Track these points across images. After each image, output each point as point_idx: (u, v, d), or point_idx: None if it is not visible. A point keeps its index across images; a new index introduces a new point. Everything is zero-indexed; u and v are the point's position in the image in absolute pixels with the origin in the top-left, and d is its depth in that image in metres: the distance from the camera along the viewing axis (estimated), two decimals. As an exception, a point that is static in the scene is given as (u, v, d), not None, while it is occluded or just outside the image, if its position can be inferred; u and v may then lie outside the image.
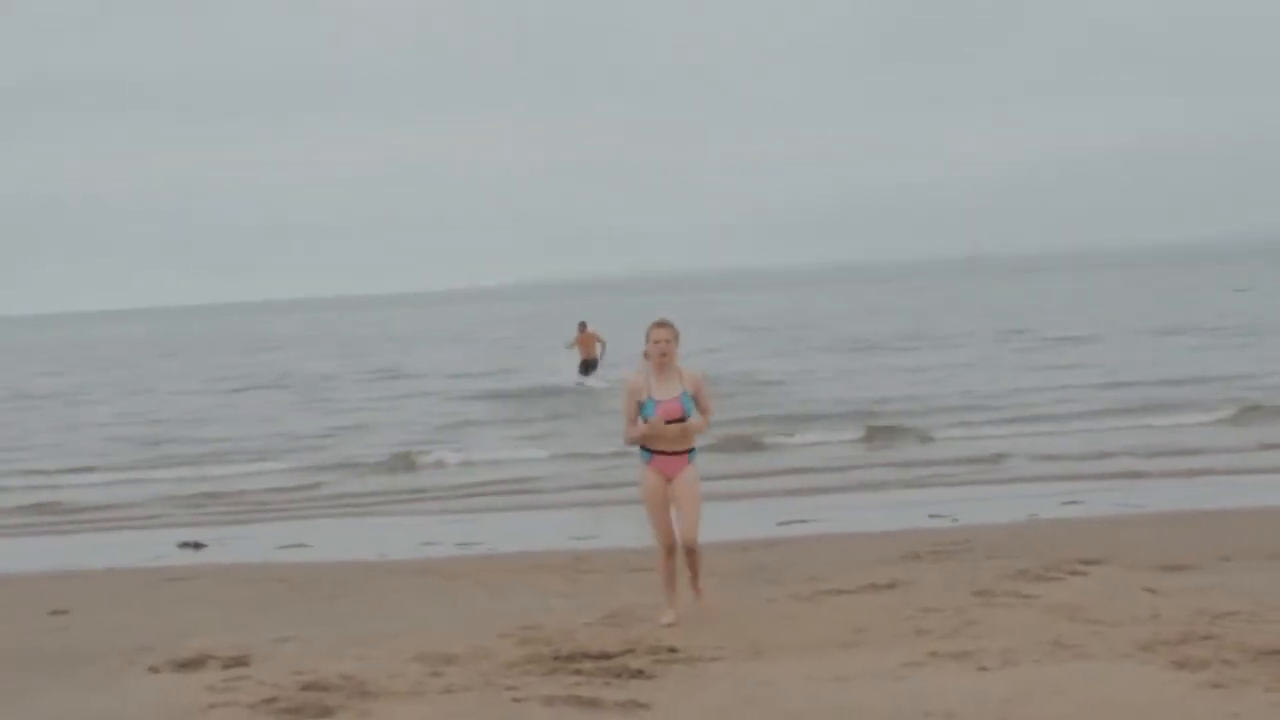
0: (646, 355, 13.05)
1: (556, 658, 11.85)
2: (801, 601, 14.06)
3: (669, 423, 12.96)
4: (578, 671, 11.42)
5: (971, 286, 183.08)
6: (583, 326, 49.63)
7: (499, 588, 16.07)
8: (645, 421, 12.98)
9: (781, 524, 20.98)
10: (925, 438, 32.72)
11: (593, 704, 10.43)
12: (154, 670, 12.37)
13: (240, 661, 12.42)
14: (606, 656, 11.81)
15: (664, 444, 13.12)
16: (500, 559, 18.71)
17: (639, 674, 11.25)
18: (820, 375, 53.10)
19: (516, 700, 10.62)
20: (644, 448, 13.20)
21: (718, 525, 21.16)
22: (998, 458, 28.68)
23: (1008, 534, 18.52)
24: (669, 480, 13.23)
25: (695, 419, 13.11)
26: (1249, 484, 23.49)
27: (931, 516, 20.88)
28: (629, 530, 20.19)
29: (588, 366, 48.75)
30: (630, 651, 11.96)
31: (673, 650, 11.94)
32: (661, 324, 13.15)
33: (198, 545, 21.62)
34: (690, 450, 13.30)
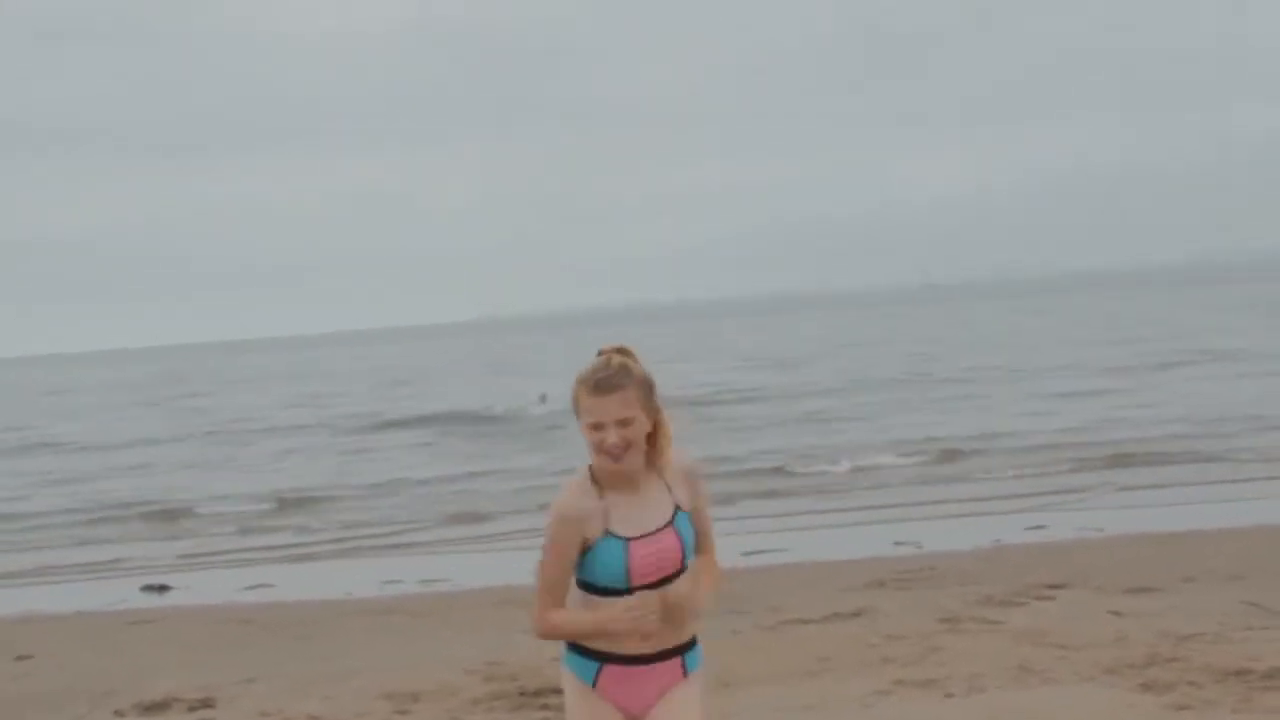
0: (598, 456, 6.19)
1: (523, 693, 11.83)
2: (766, 631, 14.07)
3: (660, 585, 6.14)
4: (544, 707, 11.41)
5: (913, 316, 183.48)
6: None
7: (464, 624, 16.03)
8: (617, 599, 6.14)
9: (745, 554, 20.96)
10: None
11: (560, 739, 10.42)
12: (119, 714, 12.31)
13: (206, 703, 12.38)
14: (573, 691, 11.78)
15: (638, 640, 6.18)
16: (465, 595, 18.66)
17: (606, 708, 11.23)
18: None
19: (483, 737, 10.60)
20: (582, 649, 6.35)
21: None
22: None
23: (973, 560, 18.54)
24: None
25: (702, 570, 6.37)
26: (1206, 504, 23.57)
27: (896, 544, 20.89)
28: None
29: None
30: (597, 685, 11.93)
31: (640, 683, 11.91)
32: (605, 385, 6.10)
33: (162, 588, 21.53)
34: (688, 649, 6.33)
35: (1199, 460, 29.95)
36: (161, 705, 12.45)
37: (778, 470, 32.87)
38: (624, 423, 5.94)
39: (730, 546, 21.55)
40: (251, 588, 21.11)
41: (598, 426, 5.95)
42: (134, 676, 13.92)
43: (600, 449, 5.96)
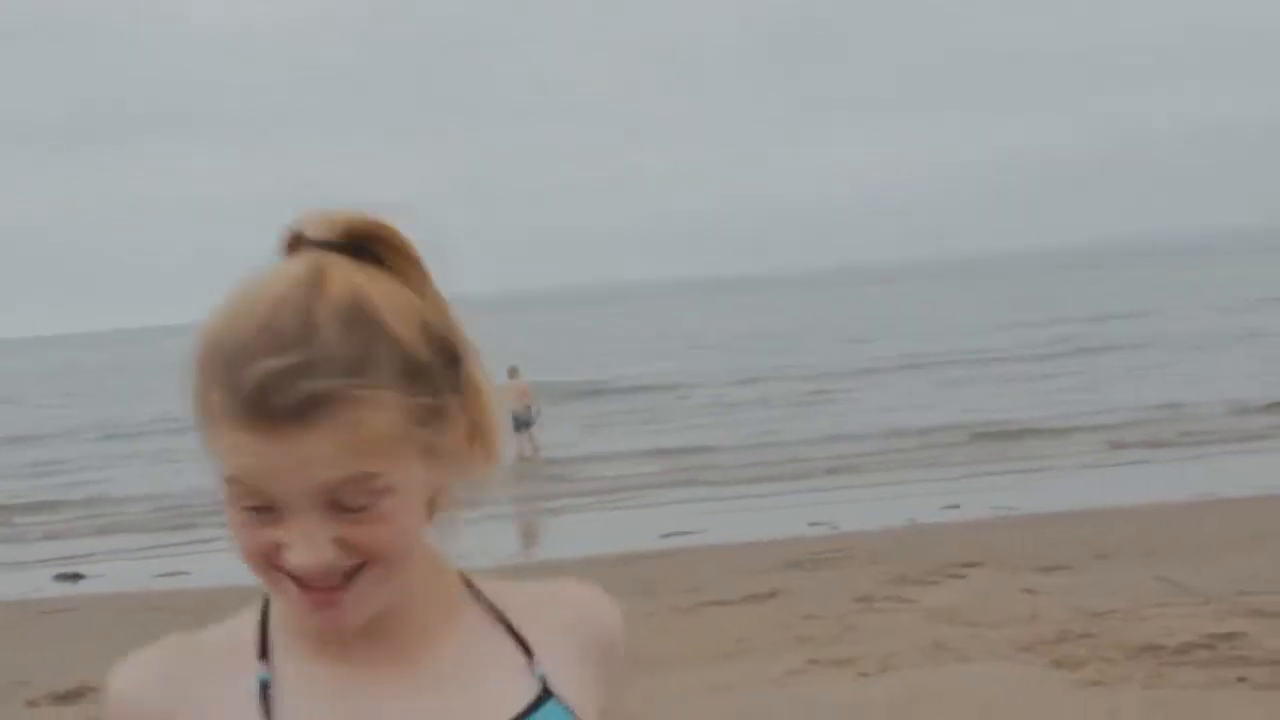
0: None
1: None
2: (683, 613, 14.07)
3: None
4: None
5: (832, 298, 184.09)
6: (513, 373, 35.25)
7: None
8: None
9: (663, 536, 20.97)
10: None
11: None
12: (32, 704, 12.22)
13: (119, 692, 12.28)
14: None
15: None
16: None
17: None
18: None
19: None
20: None
21: (598, 538, 21.23)
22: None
23: (887, 539, 18.60)
24: None
25: None
26: (1119, 482, 23.75)
27: (811, 525, 20.94)
28: (509, 546, 20.13)
29: (519, 423, 34.88)
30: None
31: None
32: (281, 406, 1.63)
33: (75, 576, 21.36)
34: None
35: (1112, 438, 30.19)
36: (75, 694, 12.35)
37: (693, 451, 32.94)
38: (348, 508, 1.70)
39: (647, 527, 21.74)
40: (164, 575, 20.97)
41: (265, 514, 1.71)
42: (47, 666, 13.80)
43: (271, 581, 1.78)
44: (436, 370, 1.74)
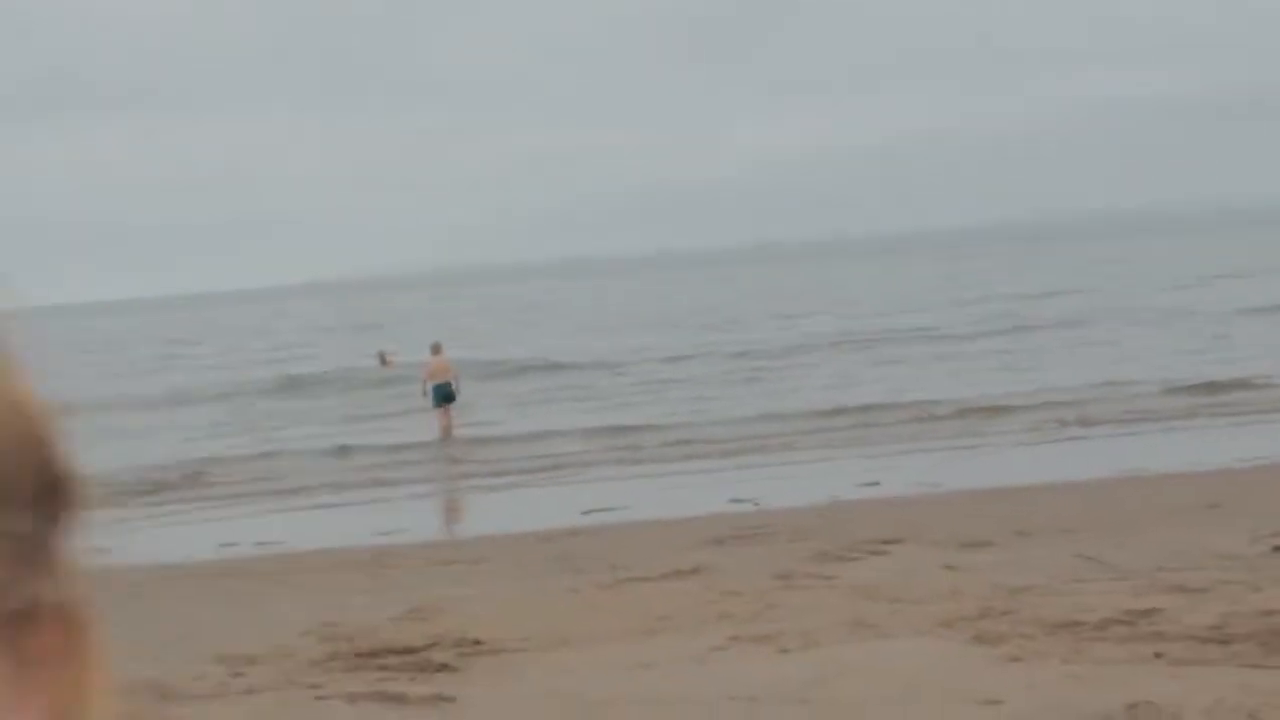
0: None
1: (359, 654, 11.75)
2: (605, 590, 14.07)
3: None
4: (382, 667, 11.34)
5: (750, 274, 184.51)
6: (436, 349, 36.46)
7: (299, 586, 15.89)
8: None
9: (585, 513, 20.96)
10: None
11: (398, 699, 10.36)
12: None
13: (36, 669, 12.19)
14: (411, 651, 11.73)
15: None
16: (300, 557, 18.50)
17: (444, 667, 11.20)
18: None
19: (320, 698, 10.52)
20: None
21: (521, 515, 21.20)
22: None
23: (809, 516, 18.64)
24: None
25: None
26: (1044, 460, 23.89)
27: (733, 501, 20.96)
28: (431, 523, 20.09)
29: (442, 396, 35.46)
30: (435, 645, 11.89)
31: (477, 642, 11.89)
32: None
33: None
34: None
35: (1038, 417, 30.34)
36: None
37: (620, 429, 32.91)
38: None
39: (570, 504, 21.74)
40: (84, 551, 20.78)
41: None
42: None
43: None
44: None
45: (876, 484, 21.90)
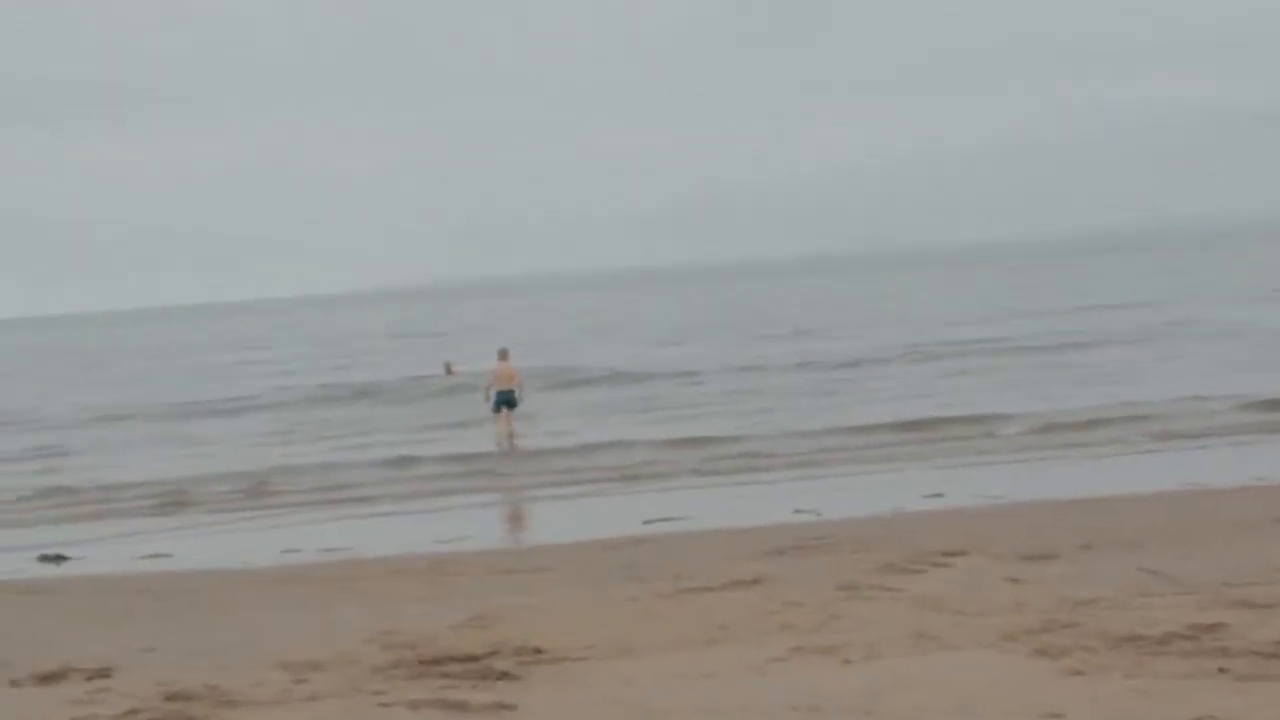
0: None
1: (421, 661, 11.78)
2: (667, 599, 14.06)
3: None
4: (444, 675, 11.36)
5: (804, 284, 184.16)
6: (503, 355, 36.73)
7: (362, 593, 15.96)
8: None
9: (648, 521, 20.98)
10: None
11: (460, 707, 10.36)
12: (15, 684, 12.17)
13: (103, 673, 12.25)
14: (472, 659, 11.75)
15: None
16: (362, 564, 18.59)
17: (505, 675, 11.20)
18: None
19: (383, 705, 10.54)
20: None
21: (583, 524, 21.24)
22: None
23: (872, 527, 18.62)
24: None
25: None
26: (1111, 473, 23.78)
27: (796, 511, 20.95)
28: (492, 531, 20.14)
29: (504, 402, 35.84)
30: (496, 653, 11.90)
31: (538, 651, 11.90)
32: None
33: (59, 558, 21.34)
34: None
35: (1101, 429, 30.21)
36: (58, 675, 12.31)
37: (684, 441, 32.90)
38: None
39: (633, 513, 21.76)
40: (149, 557, 20.95)
41: None
42: (30, 646, 13.76)
43: None
44: None
45: (941, 495, 21.85)
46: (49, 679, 12.24)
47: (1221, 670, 10.11)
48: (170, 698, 11.13)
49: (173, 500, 28.58)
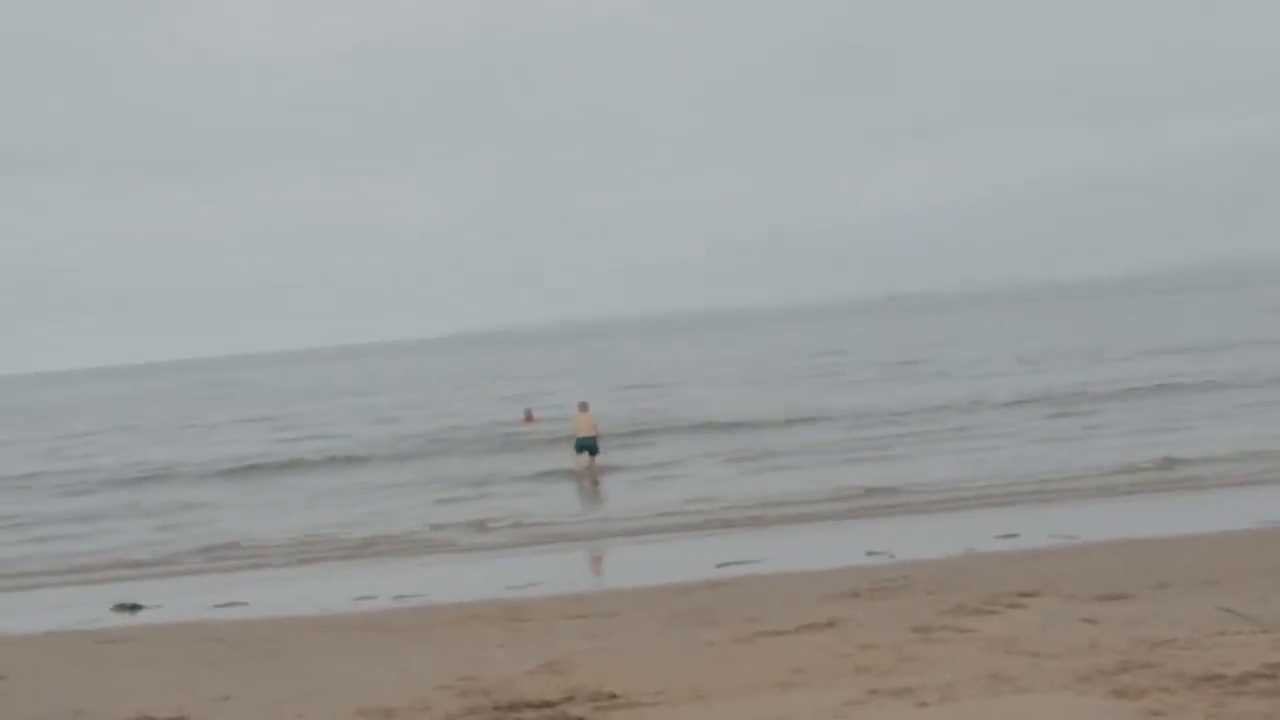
0: None
1: (496, 708, 11.79)
2: (740, 643, 14.04)
3: None
4: (519, 721, 11.37)
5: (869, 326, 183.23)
6: (584, 407, 38.86)
7: (436, 639, 15.99)
8: None
9: (720, 565, 20.96)
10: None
11: (534, 753, 10.39)
12: (91, 733, 12.27)
13: (178, 722, 12.33)
14: (548, 705, 11.75)
15: None
16: (436, 610, 18.63)
17: (580, 721, 11.21)
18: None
19: (458, 752, 10.57)
20: None
21: (657, 569, 21.22)
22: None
23: (945, 569, 18.56)
24: None
25: None
26: (1185, 511, 23.62)
27: (869, 554, 20.90)
28: (565, 576, 20.15)
29: (586, 447, 37.99)
30: (571, 699, 11.91)
31: (613, 696, 11.89)
32: None
33: (134, 607, 21.47)
34: None
35: (1168, 469, 30.01)
36: (134, 723, 12.40)
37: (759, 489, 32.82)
38: None
39: (706, 557, 21.74)
40: (223, 605, 21.04)
41: None
42: (106, 696, 13.86)
43: None
44: None
45: (1014, 536, 21.75)
46: (126, 728, 12.32)
47: (1302, 710, 10.03)
48: (247, 746, 11.19)
49: (252, 551, 28.69)
